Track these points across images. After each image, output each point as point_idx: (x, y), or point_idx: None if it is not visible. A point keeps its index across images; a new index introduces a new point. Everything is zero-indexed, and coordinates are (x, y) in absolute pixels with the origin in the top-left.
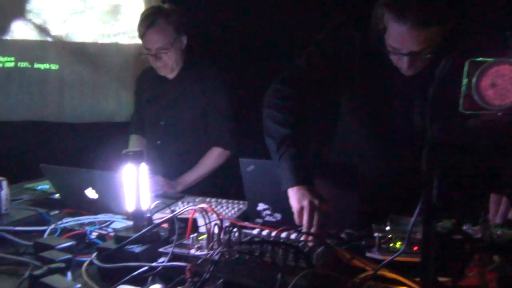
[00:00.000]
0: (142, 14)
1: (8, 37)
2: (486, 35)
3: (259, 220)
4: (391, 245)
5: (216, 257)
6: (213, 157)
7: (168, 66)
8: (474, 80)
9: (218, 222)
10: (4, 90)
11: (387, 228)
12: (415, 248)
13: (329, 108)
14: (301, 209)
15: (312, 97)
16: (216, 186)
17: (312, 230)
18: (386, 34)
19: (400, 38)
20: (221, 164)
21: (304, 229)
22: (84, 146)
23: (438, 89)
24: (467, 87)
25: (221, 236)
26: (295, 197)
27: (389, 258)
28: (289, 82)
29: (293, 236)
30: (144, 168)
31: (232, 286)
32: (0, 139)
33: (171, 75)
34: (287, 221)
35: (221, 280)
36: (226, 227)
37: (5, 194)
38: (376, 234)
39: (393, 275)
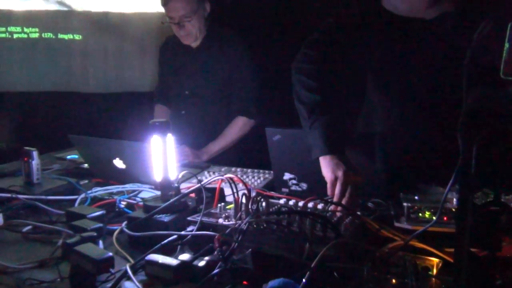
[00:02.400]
0: None
1: (31, 8)
2: None
3: (285, 190)
4: (420, 215)
5: (244, 227)
6: (238, 127)
7: (192, 35)
8: None
9: (245, 191)
10: (30, 61)
11: (416, 197)
12: (445, 218)
13: (357, 77)
14: (335, 179)
15: (341, 63)
16: (242, 155)
17: (344, 200)
18: None
19: None
20: (246, 133)
21: (335, 199)
22: (110, 116)
23: (476, 53)
24: (509, 52)
25: (249, 205)
26: (328, 166)
27: (418, 228)
28: (317, 46)
29: (320, 206)
30: (170, 139)
31: (260, 256)
32: (28, 109)
33: (194, 44)
34: (314, 191)
35: (249, 250)
36: (254, 196)
37: (36, 164)
38: (404, 204)
39: (423, 245)
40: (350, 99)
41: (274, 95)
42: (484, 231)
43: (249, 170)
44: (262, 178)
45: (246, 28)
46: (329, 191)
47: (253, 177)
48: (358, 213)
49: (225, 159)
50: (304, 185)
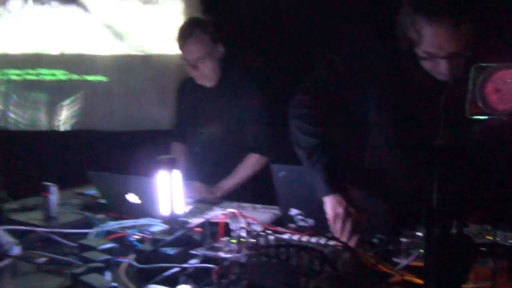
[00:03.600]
0: (180, 26)
1: (60, 51)
2: (495, 39)
3: (292, 225)
4: (421, 250)
5: (243, 260)
6: (250, 164)
7: (206, 75)
8: (478, 85)
9: (245, 226)
10: (57, 102)
11: (418, 233)
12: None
13: (359, 115)
14: (336, 216)
15: (337, 105)
16: (254, 192)
17: (344, 236)
18: (420, 41)
19: (437, 41)
20: (258, 170)
21: (337, 236)
22: (131, 153)
23: (449, 95)
24: (472, 92)
25: (249, 239)
26: (330, 204)
27: (416, 263)
28: (311, 92)
29: (322, 241)
30: (177, 174)
31: None
32: (53, 147)
33: (209, 84)
34: (320, 226)
35: (245, 282)
36: (254, 231)
37: (54, 199)
38: (402, 239)
39: (420, 281)
40: (349, 138)
41: (286, 133)
42: (449, 262)
43: (259, 206)
44: (270, 214)
45: (259, 68)
46: (331, 229)
47: (262, 212)
48: (357, 249)
49: (238, 195)
50: (310, 221)
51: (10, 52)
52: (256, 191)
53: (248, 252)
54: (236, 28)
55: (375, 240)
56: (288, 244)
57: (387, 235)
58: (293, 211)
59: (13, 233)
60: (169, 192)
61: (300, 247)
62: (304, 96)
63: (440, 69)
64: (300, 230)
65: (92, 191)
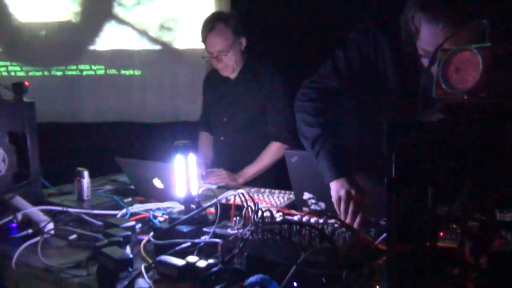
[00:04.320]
0: (204, 20)
1: (99, 48)
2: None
3: (305, 209)
4: None
5: (247, 235)
6: (272, 152)
7: (229, 67)
8: (441, 66)
9: (252, 205)
10: (96, 95)
11: None
12: (441, 233)
13: (363, 105)
14: (338, 199)
15: (340, 98)
16: (276, 178)
17: (348, 218)
18: (418, 37)
19: (433, 40)
20: (280, 158)
21: (341, 217)
22: (164, 143)
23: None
24: (438, 74)
25: (254, 217)
26: (334, 188)
27: None
28: (315, 86)
29: (321, 220)
30: (192, 158)
31: (255, 260)
32: (92, 138)
33: (232, 75)
34: (332, 209)
35: (245, 254)
36: (260, 209)
37: (86, 183)
38: None
39: None
40: (353, 126)
41: None
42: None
43: (276, 191)
44: (286, 198)
45: (281, 58)
46: (337, 211)
47: (278, 197)
48: (361, 229)
49: (261, 182)
50: (322, 204)
51: (52, 50)
52: (277, 177)
53: (252, 228)
54: (261, 20)
55: (382, 222)
56: (288, 221)
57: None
58: (306, 195)
59: (48, 213)
60: (185, 174)
61: (300, 224)
62: (308, 90)
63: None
64: (310, 212)
65: (124, 178)
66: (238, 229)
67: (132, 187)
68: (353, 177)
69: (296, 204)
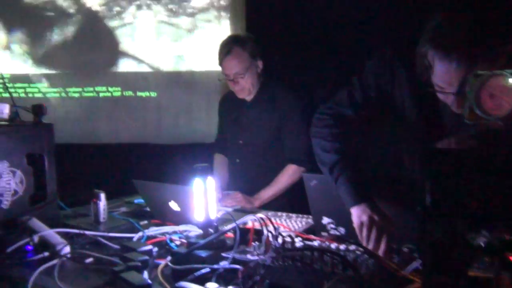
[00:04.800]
0: (221, 43)
1: (115, 70)
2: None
3: (324, 234)
4: None
5: (268, 262)
6: (288, 174)
7: (245, 89)
8: (474, 91)
9: (272, 230)
10: (112, 116)
11: None
12: None
13: (380, 132)
14: (361, 225)
15: (357, 124)
16: (292, 201)
17: (370, 244)
18: (432, 73)
19: (446, 78)
20: (296, 180)
21: (364, 244)
22: (178, 164)
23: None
24: (470, 99)
25: (274, 243)
26: (355, 214)
27: None
28: (331, 112)
29: (351, 247)
30: (211, 181)
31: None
32: (107, 159)
33: (248, 97)
34: (352, 235)
35: (267, 282)
36: (280, 235)
37: (103, 205)
38: None
39: None
40: (370, 150)
41: None
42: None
43: (293, 215)
44: (304, 222)
45: (298, 81)
46: (359, 237)
47: (296, 221)
48: (384, 256)
49: (275, 205)
50: (342, 229)
51: (69, 71)
52: (293, 200)
53: (273, 255)
54: (277, 44)
55: (404, 249)
56: (310, 247)
57: (416, 244)
58: (325, 220)
59: (65, 235)
60: (204, 198)
61: (323, 251)
62: (324, 116)
63: (451, 103)
64: (331, 238)
65: (139, 200)
66: (258, 254)
67: (148, 209)
68: (375, 202)
69: (315, 229)
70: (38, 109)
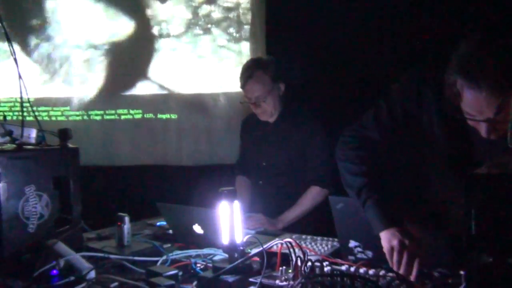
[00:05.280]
0: (243, 67)
1: (136, 93)
2: None
3: (351, 257)
4: None
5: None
6: (311, 196)
7: (267, 112)
8: None
9: (301, 255)
10: (133, 139)
11: None
12: None
13: (409, 155)
14: (391, 249)
15: (385, 148)
16: (316, 224)
17: (402, 269)
18: (461, 101)
19: (476, 106)
20: (320, 202)
21: (394, 269)
22: (200, 186)
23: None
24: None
25: (303, 268)
26: (385, 238)
27: None
28: (357, 135)
29: (380, 273)
30: (237, 205)
31: None
32: (129, 181)
33: (271, 120)
34: (379, 259)
35: None
36: (309, 260)
37: (127, 229)
38: (462, 272)
39: None
40: (402, 174)
41: None
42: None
43: (318, 238)
44: (329, 246)
45: (319, 103)
46: (389, 262)
47: (321, 244)
48: (416, 281)
49: (299, 227)
50: (369, 253)
51: (91, 94)
52: (317, 223)
53: (303, 281)
54: (299, 65)
55: (436, 274)
56: (341, 273)
57: (448, 268)
58: (352, 243)
59: (89, 259)
60: (230, 222)
61: (354, 277)
62: (350, 139)
63: (481, 129)
64: (358, 262)
65: (162, 222)
66: (286, 279)
67: (171, 231)
68: (405, 226)
69: (341, 252)
70: (64, 133)
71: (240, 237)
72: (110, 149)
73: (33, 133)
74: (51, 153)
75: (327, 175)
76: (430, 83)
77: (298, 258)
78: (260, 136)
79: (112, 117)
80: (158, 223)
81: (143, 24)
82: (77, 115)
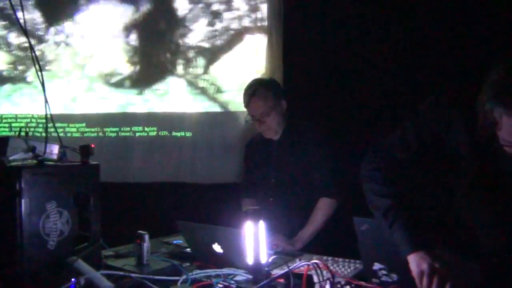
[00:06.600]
0: (246, 86)
1: (152, 110)
2: None
3: (375, 280)
4: None
5: None
6: (323, 210)
7: (272, 129)
8: None
9: (330, 277)
10: (148, 156)
11: None
12: None
13: (436, 178)
14: (421, 273)
15: (409, 168)
16: (335, 244)
17: None
18: (498, 128)
19: None
20: (331, 214)
21: None
22: (216, 204)
23: None
24: None
25: None
26: (414, 262)
27: None
28: (382, 155)
29: None
30: (262, 225)
31: None
32: (143, 198)
33: (275, 137)
34: (405, 282)
35: None
36: (338, 283)
37: (146, 247)
38: None
39: None
40: (430, 195)
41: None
42: None
43: (340, 259)
44: (352, 268)
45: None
46: (418, 286)
47: (343, 266)
48: None
49: (319, 248)
50: (394, 276)
51: (108, 112)
52: (336, 243)
53: None
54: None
55: None
56: None
57: None
58: (377, 266)
59: (109, 277)
60: (254, 242)
61: None
62: (375, 159)
63: None
64: (383, 285)
65: (178, 240)
66: None
67: (188, 250)
68: (434, 249)
69: (365, 275)
70: (86, 149)
71: (265, 258)
72: (124, 165)
73: (55, 149)
74: (72, 169)
75: (334, 186)
76: (461, 108)
77: (328, 281)
78: (266, 154)
79: (127, 134)
80: (174, 241)
81: (163, 44)
82: (92, 132)
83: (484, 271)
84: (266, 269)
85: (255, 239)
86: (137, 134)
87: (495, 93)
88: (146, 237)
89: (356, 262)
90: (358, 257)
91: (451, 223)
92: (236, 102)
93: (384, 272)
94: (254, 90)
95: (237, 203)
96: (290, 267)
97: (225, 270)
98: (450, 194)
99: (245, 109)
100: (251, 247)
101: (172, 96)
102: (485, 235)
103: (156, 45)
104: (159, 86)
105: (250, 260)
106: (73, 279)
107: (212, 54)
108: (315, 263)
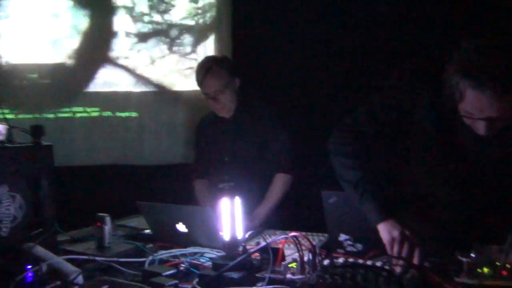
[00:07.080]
0: (198, 64)
1: (93, 89)
2: None
3: (340, 251)
4: (478, 270)
5: (314, 280)
6: (279, 185)
7: (226, 106)
8: None
9: (311, 248)
10: (90, 137)
11: (472, 255)
12: (504, 272)
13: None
14: (392, 240)
15: (376, 141)
16: (294, 219)
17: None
18: (462, 100)
19: (478, 105)
20: (288, 190)
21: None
22: (163, 185)
23: None
24: None
25: (316, 261)
26: (385, 229)
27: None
28: (350, 130)
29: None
30: (238, 201)
31: None
32: (88, 181)
33: (228, 115)
34: (369, 251)
35: None
36: (319, 254)
37: (108, 229)
38: (464, 259)
39: None
40: (393, 166)
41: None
42: None
43: (302, 233)
44: (317, 240)
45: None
46: (388, 252)
47: (309, 239)
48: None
49: (277, 223)
50: (359, 246)
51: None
52: (295, 217)
53: (318, 273)
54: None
55: (426, 264)
56: (358, 264)
57: (440, 258)
58: (342, 237)
59: (72, 262)
60: (230, 218)
61: (370, 267)
62: (344, 133)
63: (479, 127)
64: (350, 255)
65: (133, 223)
66: (293, 273)
67: (147, 231)
68: (400, 218)
69: (330, 246)
70: (37, 129)
71: (241, 234)
72: (64, 148)
73: (3, 130)
74: (24, 150)
75: (291, 161)
76: (426, 81)
77: (310, 253)
78: (219, 133)
79: (67, 115)
80: (128, 224)
81: (105, 20)
82: (28, 113)
83: (442, 236)
84: (243, 244)
85: (231, 215)
86: (77, 115)
87: (463, 67)
88: (107, 219)
89: (319, 235)
90: (320, 230)
91: (410, 193)
92: (183, 81)
93: (349, 242)
94: (208, 68)
95: (187, 183)
96: (268, 241)
97: (190, 249)
98: (410, 164)
99: (193, 88)
100: (227, 223)
101: (116, 75)
102: (442, 196)
103: (101, 21)
104: (100, 65)
105: (226, 236)
106: (28, 266)
107: (158, 33)
108: (294, 236)
